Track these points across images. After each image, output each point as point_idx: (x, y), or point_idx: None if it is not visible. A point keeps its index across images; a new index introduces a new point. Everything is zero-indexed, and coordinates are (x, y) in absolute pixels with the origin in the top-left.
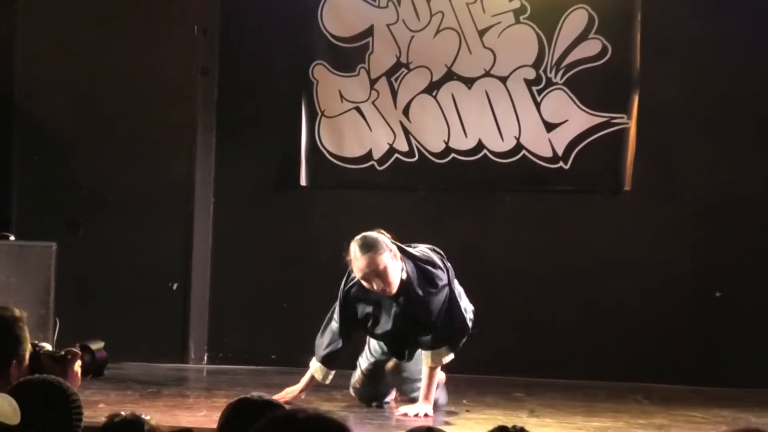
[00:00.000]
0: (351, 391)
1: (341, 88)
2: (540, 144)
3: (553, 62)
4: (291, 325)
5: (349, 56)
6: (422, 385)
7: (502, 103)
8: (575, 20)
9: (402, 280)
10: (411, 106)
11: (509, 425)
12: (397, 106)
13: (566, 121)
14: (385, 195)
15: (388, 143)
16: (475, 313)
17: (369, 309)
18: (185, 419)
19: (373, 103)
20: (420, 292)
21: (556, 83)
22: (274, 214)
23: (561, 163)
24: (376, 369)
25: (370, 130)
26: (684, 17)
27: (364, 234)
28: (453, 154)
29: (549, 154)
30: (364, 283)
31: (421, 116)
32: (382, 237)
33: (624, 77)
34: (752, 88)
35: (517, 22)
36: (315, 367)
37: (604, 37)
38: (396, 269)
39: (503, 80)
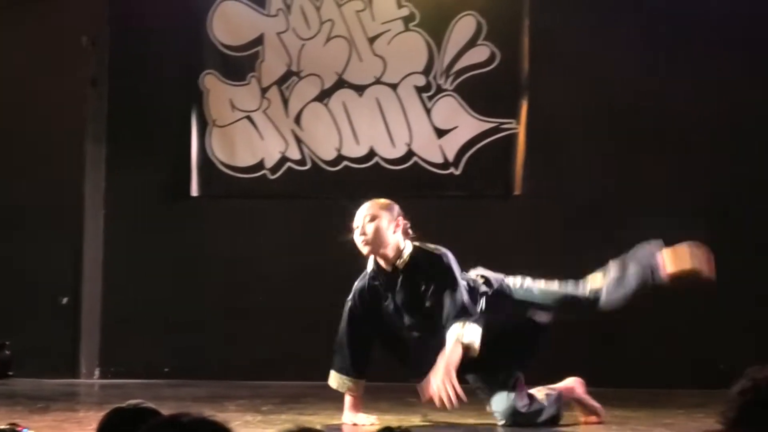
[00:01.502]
0: None
1: (232, 98)
2: (431, 150)
3: (443, 69)
4: (184, 337)
5: (239, 65)
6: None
7: (393, 111)
8: (464, 27)
9: (403, 260)
10: (302, 115)
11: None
12: (288, 114)
13: (456, 127)
14: (278, 204)
15: (280, 152)
16: None
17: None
18: None
19: (264, 111)
20: (421, 267)
21: (446, 90)
22: (166, 225)
23: (452, 169)
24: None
25: (262, 139)
26: (571, 23)
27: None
28: (345, 162)
29: (440, 160)
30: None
31: (313, 124)
32: (397, 208)
33: (512, 83)
34: (636, 92)
35: (407, 29)
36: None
37: (493, 44)
38: (387, 236)
39: (394, 87)
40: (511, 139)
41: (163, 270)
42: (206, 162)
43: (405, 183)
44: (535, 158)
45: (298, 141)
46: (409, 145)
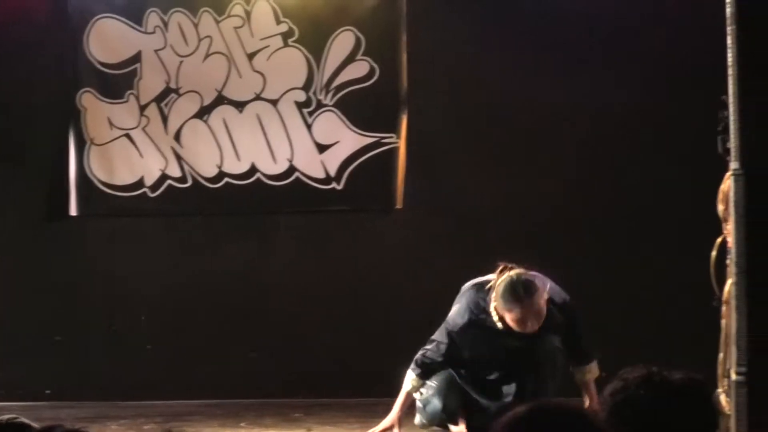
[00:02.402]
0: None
1: (110, 115)
2: (312, 166)
3: (323, 84)
4: (65, 358)
5: (117, 83)
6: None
7: (273, 126)
8: (342, 43)
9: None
10: (182, 132)
11: None
12: (168, 131)
13: (337, 142)
14: (159, 222)
15: (160, 169)
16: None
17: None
18: None
19: (143, 129)
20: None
21: (327, 105)
22: (44, 246)
23: (334, 184)
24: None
25: (141, 156)
26: (448, 38)
27: (519, 277)
28: (227, 179)
29: (322, 175)
30: (513, 325)
31: (193, 141)
32: (532, 277)
33: (392, 97)
34: (514, 105)
35: (286, 45)
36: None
37: (372, 59)
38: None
39: (274, 103)
40: (392, 153)
41: (42, 290)
42: (85, 181)
43: (287, 198)
44: (415, 172)
45: (179, 158)
46: (290, 160)
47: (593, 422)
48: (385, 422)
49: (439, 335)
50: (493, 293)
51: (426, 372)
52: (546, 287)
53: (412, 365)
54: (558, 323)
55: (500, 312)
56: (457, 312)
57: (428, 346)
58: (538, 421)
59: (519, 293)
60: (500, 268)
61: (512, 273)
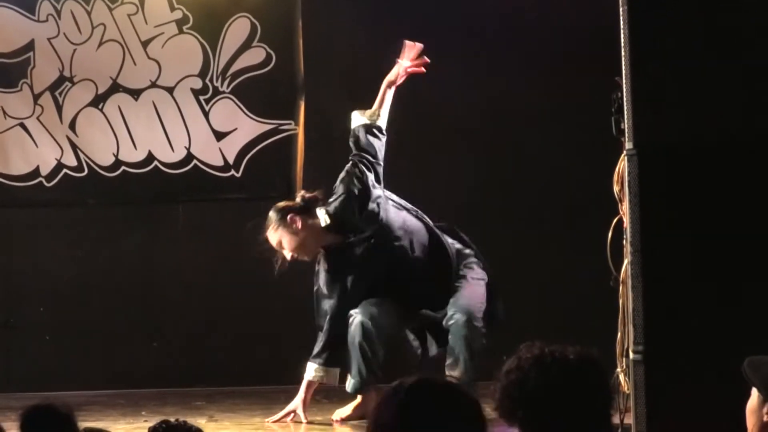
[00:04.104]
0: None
1: (4, 105)
2: (210, 153)
3: (219, 71)
4: None
5: (9, 72)
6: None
7: (170, 114)
8: (238, 29)
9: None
10: (77, 120)
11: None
12: (62, 120)
13: (235, 129)
14: (55, 211)
15: (56, 159)
16: None
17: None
18: None
19: (38, 118)
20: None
21: (223, 92)
22: None
23: (233, 172)
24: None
25: (36, 146)
26: (343, 23)
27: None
28: (123, 167)
29: (220, 162)
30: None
31: (89, 130)
32: (280, 208)
33: (289, 84)
34: (409, 89)
35: (181, 32)
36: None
37: (268, 45)
38: (298, 238)
39: (170, 91)
40: (291, 140)
41: None
42: None
43: (185, 186)
44: (314, 158)
45: (74, 147)
46: (188, 148)
47: (470, 399)
48: (290, 406)
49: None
50: None
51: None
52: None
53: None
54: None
55: None
56: None
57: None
58: (416, 395)
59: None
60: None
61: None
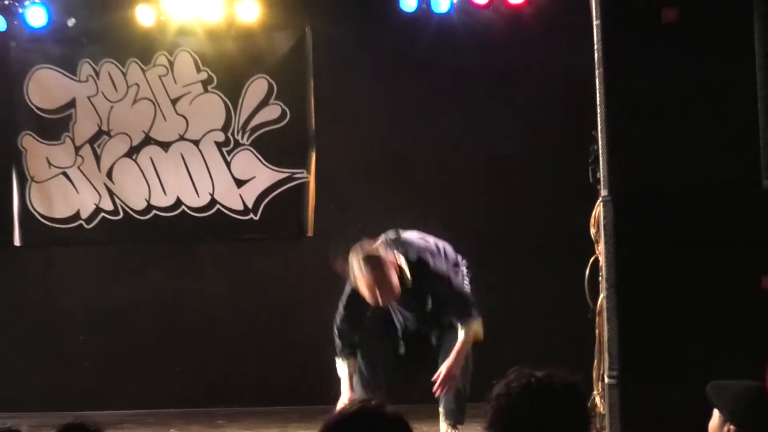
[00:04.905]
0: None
1: (48, 156)
2: (232, 198)
3: (240, 126)
4: (7, 374)
5: (54, 126)
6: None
7: (196, 164)
8: (257, 88)
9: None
10: (114, 170)
11: None
12: (101, 169)
13: (254, 177)
14: (93, 250)
15: (95, 204)
16: None
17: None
18: None
19: (78, 168)
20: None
21: (243, 144)
22: None
23: (251, 215)
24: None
25: (77, 192)
26: (349, 83)
27: (364, 250)
28: (154, 211)
29: (240, 207)
30: (370, 299)
31: (124, 178)
32: (378, 246)
33: (302, 137)
34: (408, 142)
35: (206, 91)
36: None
37: (283, 102)
38: (395, 275)
39: (196, 143)
40: (303, 186)
41: None
42: (27, 214)
43: (209, 228)
44: (323, 203)
45: (111, 193)
46: (211, 194)
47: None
48: (342, 401)
49: (339, 306)
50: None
51: (346, 344)
52: (396, 255)
53: (336, 349)
54: (428, 285)
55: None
56: (346, 286)
57: (337, 319)
58: (356, 424)
59: (361, 269)
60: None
61: (360, 249)
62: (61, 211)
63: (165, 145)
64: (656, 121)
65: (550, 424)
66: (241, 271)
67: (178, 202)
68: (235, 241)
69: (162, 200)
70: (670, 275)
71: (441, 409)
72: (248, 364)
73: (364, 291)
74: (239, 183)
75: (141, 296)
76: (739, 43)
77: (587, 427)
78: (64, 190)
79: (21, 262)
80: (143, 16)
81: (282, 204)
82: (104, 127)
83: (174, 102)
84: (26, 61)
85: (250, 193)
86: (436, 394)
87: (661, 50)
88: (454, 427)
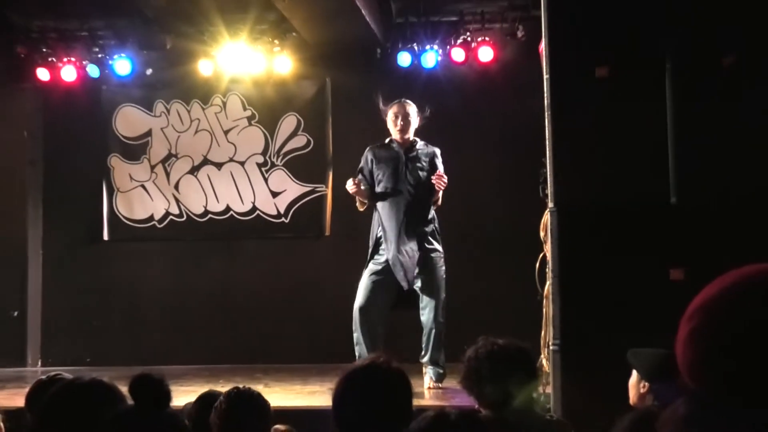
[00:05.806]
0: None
1: (131, 172)
2: (268, 206)
3: (275, 151)
4: (99, 338)
5: (135, 150)
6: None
7: (241, 180)
8: (288, 123)
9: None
10: (180, 183)
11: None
12: (170, 183)
13: (285, 190)
14: (163, 245)
15: (165, 209)
16: None
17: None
18: None
19: (153, 182)
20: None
21: (278, 165)
22: (85, 261)
23: (283, 219)
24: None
25: (152, 200)
26: (359, 118)
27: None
28: (210, 215)
29: (275, 212)
30: (392, 120)
31: (187, 190)
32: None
33: (322, 160)
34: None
35: (250, 124)
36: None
37: (308, 133)
38: (413, 126)
39: (242, 164)
40: (323, 198)
41: (84, 291)
42: (113, 216)
43: (251, 229)
44: (339, 210)
45: (177, 201)
46: (253, 203)
47: (405, 384)
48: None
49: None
50: None
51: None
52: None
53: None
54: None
55: (387, 117)
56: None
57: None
58: (366, 375)
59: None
60: None
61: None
62: (139, 214)
63: (218, 165)
64: (590, 151)
65: (509, 379)
66: (275, 261)
67: (228, 209)
68: (271, 239)
69: (216, 207)
70: (600, 269)
71: (426, 359)
72: (280, 331)
73: (394, 112)
74: (274, 194)
75: (199, 280)
76: (654, 87)
77: (536, 382)
78: (142, 198)
79: (108, 253)
80: (204, 68)
81: (307, 211)
82: (173, 151)
83: (226, 132)
84: (114, 101)
85: (283, 202)
86: (436, 187)
87: (595, 97)
88: (437, 381)
